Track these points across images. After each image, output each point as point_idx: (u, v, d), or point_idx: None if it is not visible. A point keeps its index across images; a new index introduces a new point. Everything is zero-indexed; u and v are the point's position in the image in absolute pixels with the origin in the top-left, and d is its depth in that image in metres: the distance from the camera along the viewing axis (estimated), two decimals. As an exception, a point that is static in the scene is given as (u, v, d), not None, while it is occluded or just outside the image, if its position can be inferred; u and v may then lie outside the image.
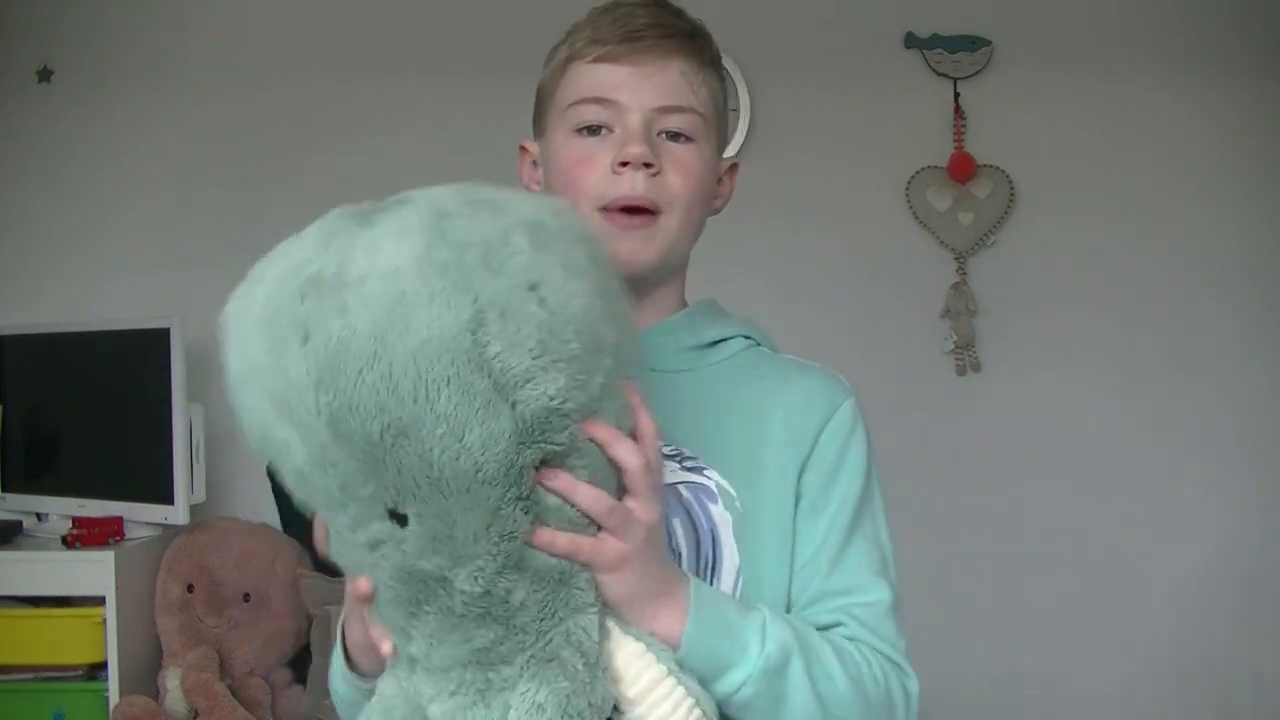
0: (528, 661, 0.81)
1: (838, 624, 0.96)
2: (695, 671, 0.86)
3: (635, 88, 1.01)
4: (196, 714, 2.39)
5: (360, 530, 0.80)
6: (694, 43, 1.04)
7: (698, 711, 0.84)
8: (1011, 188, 2.79)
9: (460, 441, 0.74)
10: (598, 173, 1.00)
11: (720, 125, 1.07)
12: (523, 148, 1.13)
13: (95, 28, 2.84)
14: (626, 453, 0.82)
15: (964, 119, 2.79)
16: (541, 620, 0.81)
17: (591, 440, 0.80)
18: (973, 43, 2.80)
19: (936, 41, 2.80)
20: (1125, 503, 2.77)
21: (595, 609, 0.84)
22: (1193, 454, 2.78)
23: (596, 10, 1.06)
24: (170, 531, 2.55)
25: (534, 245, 0.76)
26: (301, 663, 2.55)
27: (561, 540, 0.81)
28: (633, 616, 0.86)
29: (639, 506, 0.84)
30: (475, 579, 0.78)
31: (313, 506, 0.85)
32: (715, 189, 1.06)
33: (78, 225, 2.82)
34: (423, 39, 2.83)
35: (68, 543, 2.41)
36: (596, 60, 1.02)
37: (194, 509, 2.46)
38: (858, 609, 0.97)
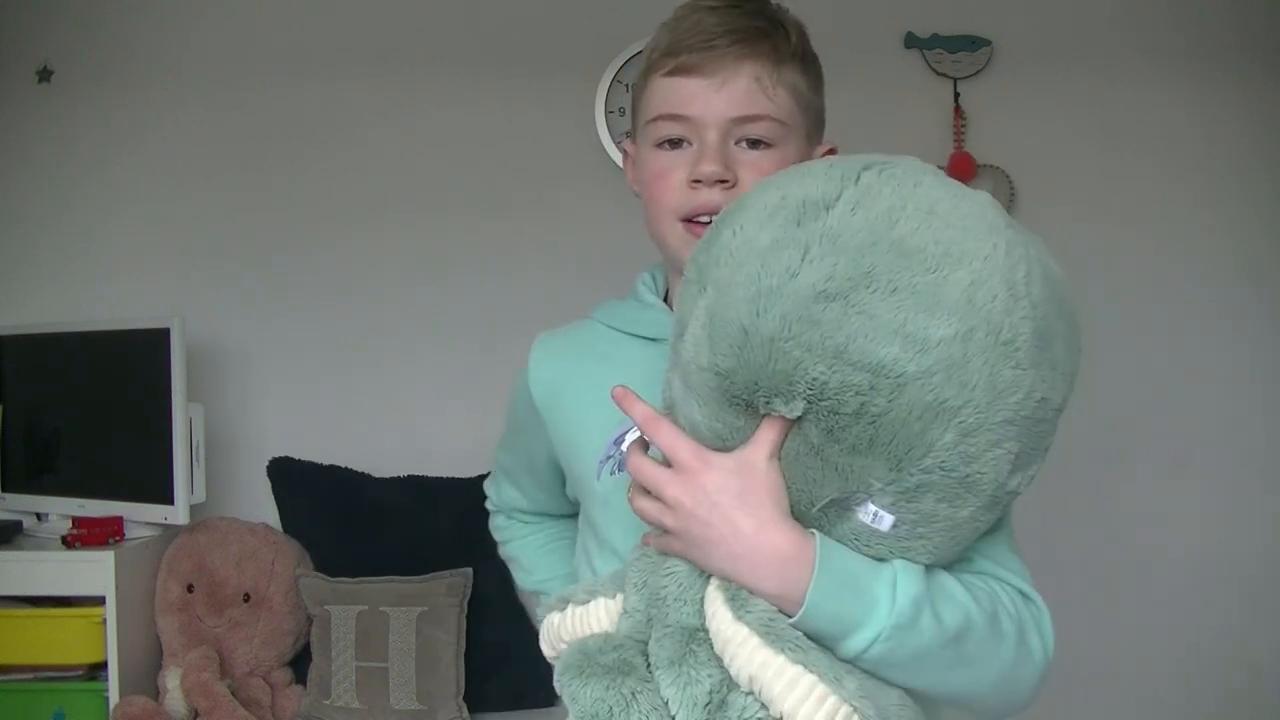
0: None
1: (967, 559, 0.95)
2: (817, 632, 0.84)
3: (708, 101, 1.03)
4: (196, 714, 2.39)
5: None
6: (770, 41, 1.05)
7: (845, 709, 0.80)
8: (1011, 188, 2.79)
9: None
10: (676, 186, 1.04)
11: (810, 118, 1.08)
12: (625, 150, 1.17)
13: (95, 28, 2.83)
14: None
15: (964, 119, 2.79)
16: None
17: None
18: (973, 43, 2.80)
19: (936, 41, 2.80)
20: (1125, 501, 2.77)
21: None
22: (1192, 452, 2.78)
23: (678, 11, 1.08)
24: (170, 531, 2.55)
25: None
26: (301, 663, 2.55)
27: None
28: (743, 582, 0.86)
29: (676, 479, 0.88)
30: None
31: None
32: None
33: (78, 225, 2.82)
34: (423, 39, 2.83)
35: (68, 543, 2.40)
36: (670, 74, 1.05)
37: (194, 509, 2.46)
38: (982, 544, 0.95)
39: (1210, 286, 2.79)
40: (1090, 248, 2.78)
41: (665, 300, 1.14)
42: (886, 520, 0.84)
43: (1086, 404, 3.01)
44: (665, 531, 0.90)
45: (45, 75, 2.83)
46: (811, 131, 1.09)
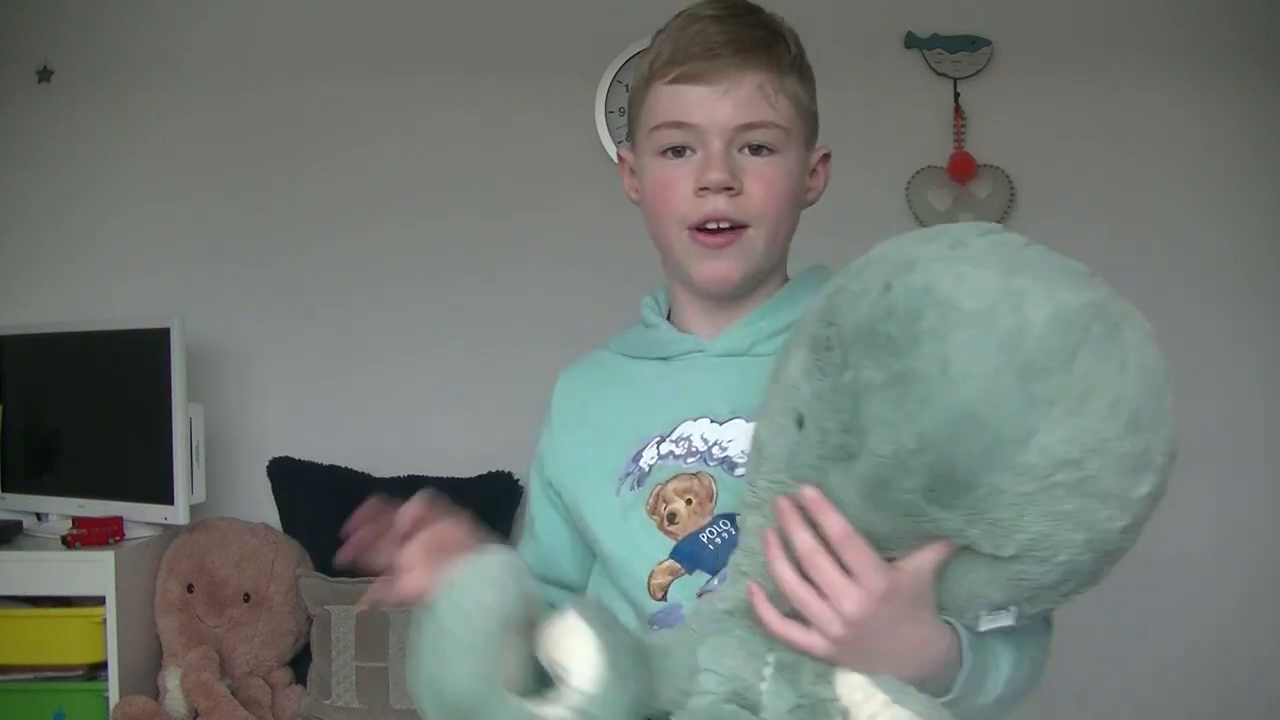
0: None
1: None
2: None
3: (712, 108, 1.02)
4: (196, 714, 2.39)
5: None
6: (772, 51, 1.06)
7: None
8: (1011, 188, 2.78)
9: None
10: (682, 196, 1.04)
11: (808, 124, 1.08)
12: (620, 157, 1.16)
13: (95, 28, 2.83)
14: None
15: (964, 119, 2.79)
16: None
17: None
18: (973, 43, 2.80)
19: (936, 41, 2.80)
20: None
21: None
22: (1192, 451, 2.77)
23: (676, 21, 1.07)
24: (170, 531, 2.55)
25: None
26: (301, 663, 2.55)
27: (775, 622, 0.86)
28: (888, 674, 0.86)
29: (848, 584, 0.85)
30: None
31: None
32: (807, 184, 1.09)
33: (78, 225, 2.82)
34: (423, 39, 2.83)
35: (68, 543, 2.40)
36: (674, 81, 1.04)
37: (194, 509, 2.46)
38: None
39: (1211, 286, 2.79)
40: (1090, 248, 2.76)
41: (669, 319, 1.14)
42: (1013, 616, 0.88)
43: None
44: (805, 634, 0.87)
45: (45, 75, 2.83)
46: (809, 137, 1.09)
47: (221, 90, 2.82)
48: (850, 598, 0.84)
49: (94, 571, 2.36)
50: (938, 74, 2.81)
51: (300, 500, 2.66)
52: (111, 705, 2.34)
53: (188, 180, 2.82)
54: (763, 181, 1.03)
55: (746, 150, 1.04)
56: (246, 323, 2.77)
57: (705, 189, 1.02)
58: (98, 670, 2.41)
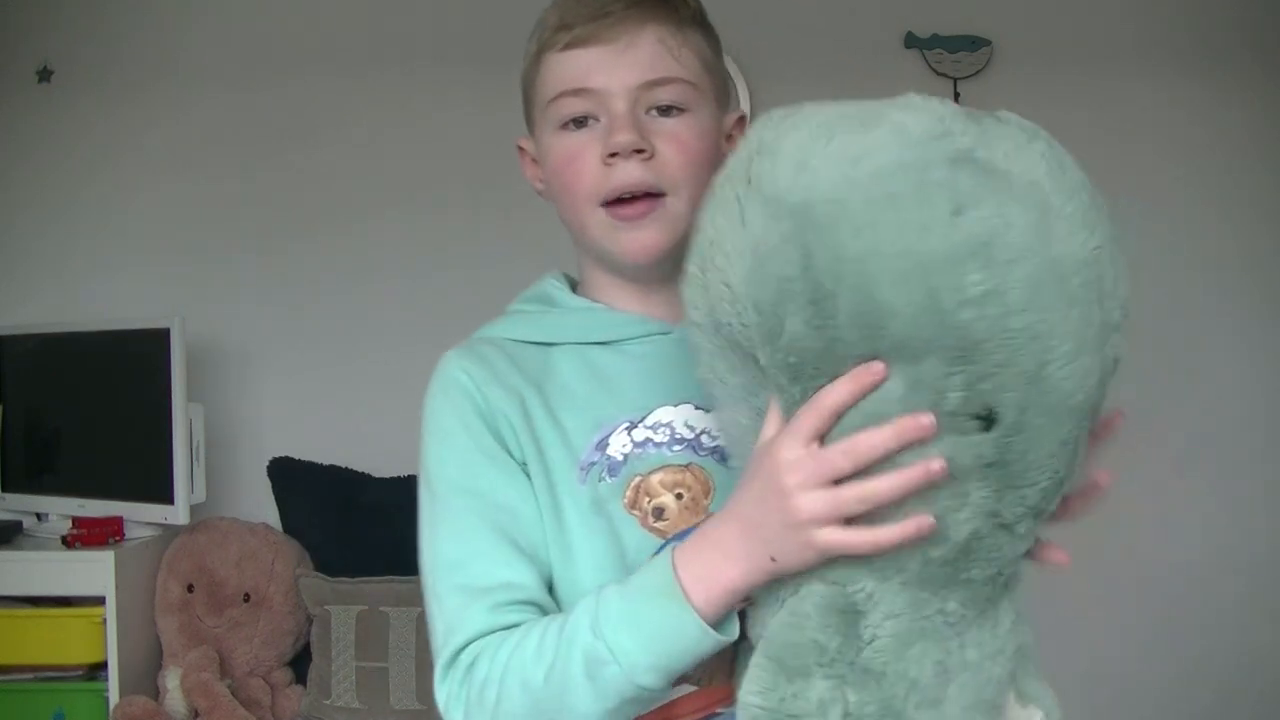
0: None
1: None
2: None
3: (611, 68, 0.94)
4: (196, 714, 2.39)
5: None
6: (668, 3, 0.97)
7: None
8: (1011, 188, 2.78)
9: (1074, 362, 0.74)
10: (590, 168, 0.95)
11: (717, 82, 1.00)
12: (520, 147, 1.09)
13: (95, 28, 2.83)
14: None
15: (964, 119, 2.79)
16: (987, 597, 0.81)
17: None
18: (973, 43, 2.80)
19: (936, 41, 2.80)
20: (1125, 500, 2.76)
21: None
22: (1193, 451, 2.78)
23: None
24: (170, 531, 2.55)
25: (1114, 219, 0.81)
26: (301, 663, 2.55)
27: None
28: None
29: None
30: (1015, 510, 0.77)
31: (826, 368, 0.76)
32: (724, 147, 0.98)
33: (78, 225, 2.82)
34: (425, 35, 2.83)
35: (68, 543, 2.40)
36: (566, 48, 0.95)
37: (194, 509, 2.46)
38: None
39: (1212, 286, 2.79)
40: (1090, 248, 2.78)
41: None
42: None
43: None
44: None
45: (45, 75, 2.83)
46: (720, 97, 1.00)
47: (221, 89, 2.82)
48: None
49: (94, 571, 2.36)
50: (938, 74, 2.81)
51: (300, 500, 2.66)
52: (111, 705, 2.34)
53: (188, 180, 2.82)
54: (676, 143, 0.94)
55: (654, 112, 0.95)
56: (246, 323, 2.77)
57: (614, 155, 0.93)
58: (98, 670, 2.41)
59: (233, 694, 2.40)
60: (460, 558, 0.94)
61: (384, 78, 2.82)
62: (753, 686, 0.78)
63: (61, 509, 2.56)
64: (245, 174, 2.82)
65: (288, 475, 2.68)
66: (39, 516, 2.63)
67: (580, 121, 0.96)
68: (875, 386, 0.73)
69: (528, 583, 0.90)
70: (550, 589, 0.92)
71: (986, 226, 0.71)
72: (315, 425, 2.78)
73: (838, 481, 0.75)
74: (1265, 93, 2.79)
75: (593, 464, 0.93)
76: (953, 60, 2.80)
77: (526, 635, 0.86)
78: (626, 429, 0.94)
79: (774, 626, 0.80)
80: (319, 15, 2.84)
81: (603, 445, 0.93)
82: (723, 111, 1.00)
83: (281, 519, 2.68)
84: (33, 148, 2.83)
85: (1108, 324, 0.76)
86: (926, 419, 0.73)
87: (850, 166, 0.75)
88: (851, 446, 0.75)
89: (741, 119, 1.01)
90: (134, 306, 2.69)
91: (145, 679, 2.45)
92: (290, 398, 2.81)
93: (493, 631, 0.89)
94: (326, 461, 2.68)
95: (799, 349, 0.75)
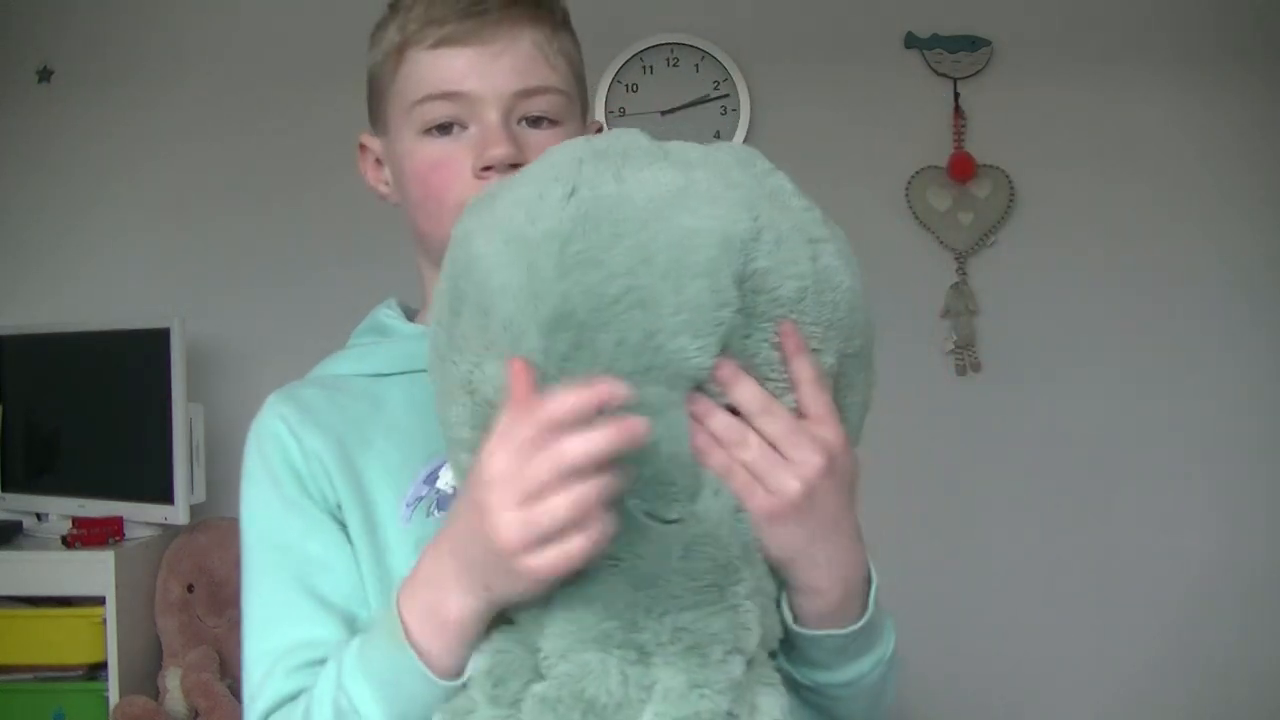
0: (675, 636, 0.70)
1: None
2: (845, 652, 0.78)
3: (485, 73, 0.89)
4: (196, 714, 2.39)
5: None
6: (540, 6, 0.92)
7: None
8: (1011, 188, 2.78)
9: (689, 336, 0.70)
10: (459, 178, 0.90)
11: (583, 91, 0.96)
12: (362, 145, 1.02)
13: (95, 28, 2.83)
14: (799, 367, 0.72)
15: (964, 119, 2.79)
16: (699, 591, 0.71)
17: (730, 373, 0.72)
18: (973, 43, 2.80)
19: (936, 41, 2.80)
20: (1126, 502, 2.77)
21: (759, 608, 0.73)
22: (1194, 453, 2.78)
23: None
24: (170, 531, 2.55)
25: (825, 220, 0.78)
26: (301, 663, 2.55)
27: (719, 456, 0.70)
28: (799, 574, 0.74)
29: (820, 426, 0.72)
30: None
31: (478, 344, 0.74)
32: None
33: (78, 225, 2.82)
34: (423, 39, 2.83)
35: (68, 543, 2.41)
36: (436, 45, 0.90)
37: (194, 509, 2.46)
38: None
39: (1212, 286, 2.78)
40: (1090, 248, 2.78)
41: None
42: None
43: (1087, 404, 3.01)
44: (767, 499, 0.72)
45: (45, 75, 2.83)
46: (584, 107, 0.97)
47: (222, 90, 2.82)
48: (825, 420, 0.73)
49: (94, 571, 2.36)
50: (938, 74, 2.81)
51: (300, 500, 2.66)
52: (111, 705, 2.34)
53: (188, 180, 2.82)
54: None
55: (524, 123, 0.90)
56: (246, 323, 2.77)
57: (489, 168, 0.88)
58: (98, 670, 2.41)
59: (233, 694, 2.40)
60: (264, 618, 0.88)
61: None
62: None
63: (61, 509, 2.56)
64: (246, 174, 2.82)
65: (288, 475, 2.68)
66: (39, 516, 2.63)
67: (444, 128, 0.91)
68: (604, 407, 0.66)
69: (330, 637, 0.84)
70: None
71: (596, 200, 0.71)
72: (315, 425, 2.77)
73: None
74: (1263, 94, 2.79)
75: (420, 499, 0.87)
76: (953, 60, 2.80)
77: (310, 696, 0.81)
78: None
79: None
80: (323, 19, 2.84)
81: (432, 479, 0.87)
82: (584, 125, 0.97)
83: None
84: (33, 148, 2.83)
85: (749, 306, 0.72)
86: (616, 383, 0.66)
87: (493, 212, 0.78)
88: (556, 450, 0.66)
89: (600, 129, 0.97)
90: (134, 306, 2.69)
91: (145, 679, 2.45)
92: (290, 398, 2.80)
93: (290, 699, 0.83)
94: (326, 461, 2.68)
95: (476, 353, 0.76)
